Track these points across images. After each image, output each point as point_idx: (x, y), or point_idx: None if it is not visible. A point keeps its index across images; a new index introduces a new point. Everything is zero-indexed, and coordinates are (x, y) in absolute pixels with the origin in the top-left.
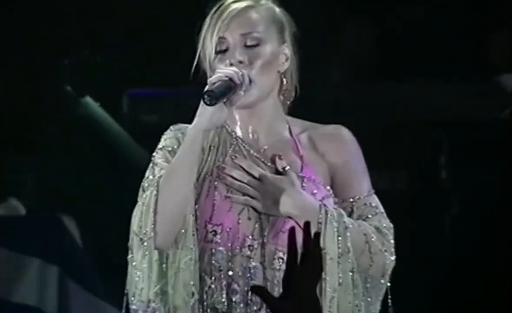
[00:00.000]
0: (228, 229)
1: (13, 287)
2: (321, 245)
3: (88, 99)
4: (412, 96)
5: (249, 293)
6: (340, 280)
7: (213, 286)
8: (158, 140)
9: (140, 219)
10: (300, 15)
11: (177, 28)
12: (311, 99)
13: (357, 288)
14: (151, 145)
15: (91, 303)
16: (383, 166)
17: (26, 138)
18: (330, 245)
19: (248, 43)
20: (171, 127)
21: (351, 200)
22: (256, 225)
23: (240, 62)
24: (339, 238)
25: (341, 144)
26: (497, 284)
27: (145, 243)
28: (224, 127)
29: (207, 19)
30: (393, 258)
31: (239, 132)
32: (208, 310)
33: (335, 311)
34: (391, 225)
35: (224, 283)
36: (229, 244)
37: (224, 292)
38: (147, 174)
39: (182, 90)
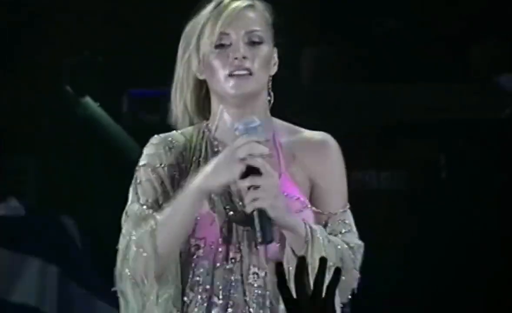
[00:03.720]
0: (211, 243)
1: (13, 287)
2: (308, 259)
3: (88, 99)
4: (412, 96)
5: (228, 307)
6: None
7: (194, 300)
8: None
9: (135, 263)
10: (294, 14)
11: (177, 28)
12: (312, 100)
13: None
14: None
15: (90, 303)
16: (383, 166)
17: (26, 138)
18: (317, 258)
19: (252, 40)
20: (153, 140)
21: (327, 214)
22: (239, 237)
23: (245, 57)
24: (325, 251)
25: (324, 157)
26: (498, 284)
27: (144, 291)
28: (205, 133)
29: (205, 14)
30: (358, 277)
31: (221, 135)
32: None
33: None
34: (361, 244)
35: (205, 296)
36: (212, 258)
37: (205, 305)
38: (130, 195)
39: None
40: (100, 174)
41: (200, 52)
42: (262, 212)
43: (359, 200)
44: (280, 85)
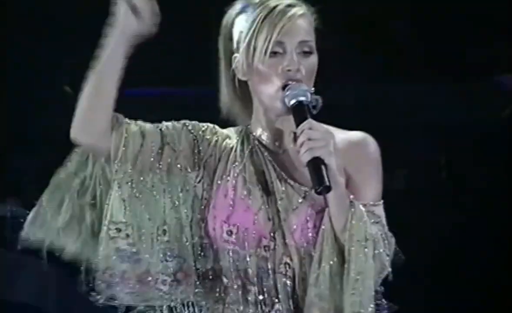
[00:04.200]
0: (244, 229)
1: (13, 287)
2: (348, 225)
3: None
4: (412, 96)
5: (260, 294)
6: (365, 263)
7: (229, 285)
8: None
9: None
10: None
11: (177, 28)
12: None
13: (374, 276)
14: None
15: (90, 303)
16: (383, 166)
17: (26, 138)
18: (357, 227)
19: (304, 50)
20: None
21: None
22: (274, 226)
23: (298, 69)
24: (365, 221)
25: (362, 152)
26: (498, 284)
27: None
28: (244, 128)
29: (258, 17)
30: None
31: (259, 133)
32: (225, 309)
33: (359, 294)
34: (391, 235)
35: (240, 283)
36: (245, 244)
37: (240, 292)
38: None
39: (182, 90)
40: None
41: (249, 56)
42: (317, 161)
43: None
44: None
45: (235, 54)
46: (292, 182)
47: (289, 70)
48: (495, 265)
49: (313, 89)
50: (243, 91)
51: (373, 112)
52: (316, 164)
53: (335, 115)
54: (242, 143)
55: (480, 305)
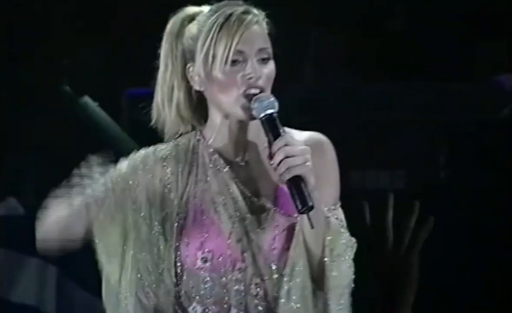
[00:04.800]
0: (218, 255)
1: (13, 287)
2: (327, 241)
3: (87, 99)
4: (412, 96)
5: None
6: (347, 276)
7: (206, 312)
8: (157, 140)
9: None
10: (296, 10)
11: None
12: (311, 99)
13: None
14: (150, 145)
15: (90, 303)
16: (383, 166)
17: (26, 138)
18: (335, 241)
19: (263, 56)
20: (139, 153)
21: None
22: (243, 247)
23: (260, 77)
24: (341, 233)
25: (318, 157)
26: (498, 284)
27: None
28: (200, 141)
29: (213, 27)
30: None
31: (217, 144)
32: None
33: (345, 307)
34: (354, 240)
35: (215, 308)
36: (220, 270)
37: None
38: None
39: None
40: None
41: (208, 66)
42: (298, 180)
43: (359, 200)
44: (279, 84)
45: (189, 64)
46: (256, 200)
47: (250, 78)
48: (496, 265)
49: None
50: (194, 103)
51: (373, 112)
52: (297, 184)
53: (335, 113)
54: (203, 157)
55: (481, 305)
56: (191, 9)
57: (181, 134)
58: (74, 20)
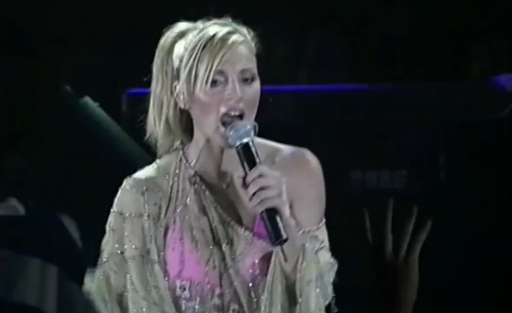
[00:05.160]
0: (196, 284)
1: (13, 287)
2: (299, 267)
3: (88, 99)
4: (412, 96)
5: None
6: (316, 303)
7: None
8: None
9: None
10: (294, 10)
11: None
12: (311, 98)
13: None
14: (150, 146)
15: (90, 303)
16: (383, 166)
17: (26, 138)
18: (308, 269)
19: (246, 77)
20: (126, 185)
21: (301, 231)
22: (221, 273)
23: (241, 98)
24: (315, 261)
25: (305, 177)
26: (498, 284)
27: None
28: (182, 163)
29: (198, 45)
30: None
31: (200, 165)
32: None
33: None
34: (335, 263)
35: None
36: (199, 297)
37: None
38: (106, 237)
39: None
40: (100, 174)
41: (190, 86)
42: (272, 212)
43: (359, 200)
44: (278, 83)
45: (175, 82)
46: (236, 226)
47: (230, 99)
48: (496, 265)
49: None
50: (184, 119)
51: (373, 112)
52: (270, 216)
53: (335, 113)
54: (183, 181)
55: (481, 305)
56: (184, 25)
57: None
58: (75, 19)
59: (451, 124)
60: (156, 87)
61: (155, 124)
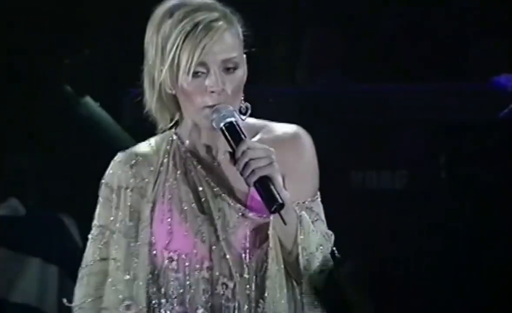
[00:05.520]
0: (184, 255)
1: (13, 287)
2: (299, 240)
3: (88, 99)
4: (412, 96)
5: None
6: (318, 274)
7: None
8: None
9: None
10: (294, 11)
11: None
12: (311, 98)
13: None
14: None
15: None
16: (383, 166)
17: (26, 138)
18: (307, 240)
19: (228, 66)
20: (116, 158)
21: (296, 203)
22: (211, 246)
23: (223, 90)
24: (313, 231)
25: (295, 151)
26: (498, 284)
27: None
28: (174, 141)
29: (181, 33)
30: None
31: (191, 144)
32: None
33: (318, 304)
34: (332, 233)
35: (181, 308)
36: (186, 269)
37: None
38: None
39: None
40: (100, 174)
41: (173, 74)
42: (265, 181)
43: (359, 200)
44: (278, 84)
45: (161, 67)
46: (229, 200)
47: (212, 91)
48: (496, 265)
49: (242, 99)
50: (171, 100)
51: (373, 112)
52: (264, 184)
53: (336, 113)
54: (174, 157)
55: (482, 305)
56: (171, 3)
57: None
58: (75, 19)
59: (451, 124)
60: (147, 63)
61: (148, 97)
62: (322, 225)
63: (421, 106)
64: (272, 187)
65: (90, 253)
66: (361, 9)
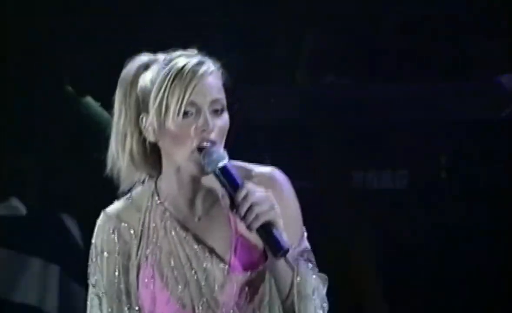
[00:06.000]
0: None
1: (14, 287)
2: (295, 283)
3: (89, 99)
4: (412, 96)
5: None
6: None
7: None
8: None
9: None
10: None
11: (177, 27)
12: (311, 99)
13: None
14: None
15: None
16: (383, 166)
17: (26, 138)
18: (304, 283)
19: (216, 108)
20: (99, 220)
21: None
22: (198, 309)
23: (213, 129)
24: (309, 273)
25: (276, 195)
26: (498, 284)
27: None
28: (154, 198)
29: (167, 78)
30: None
31: (170, 199)
32: None
33: None
34: (326, 278)
35: None
36: None
37: None
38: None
39: None
40: (101, 174)
41: (161, 118)
42: (269, 226)
43: (359, 200)
44: (278, 84)
45: (142, 114)
46: (212, 258)
47: (203, 131)
48: (496, 265)
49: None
50: (149, 152)
51: (373, 112)
52: (268, 230)
53: (336, 113)
54: (155, 216)
55: (482, 305)
56: (146, 57)
57: (139, 182)
58: (76, 19)
59: (452, 124)
60: (118, 120)
61: (118, 157)
62: (315, 269)
63: (421, 106)
64: (275, 232)
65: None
66: (361, 9)
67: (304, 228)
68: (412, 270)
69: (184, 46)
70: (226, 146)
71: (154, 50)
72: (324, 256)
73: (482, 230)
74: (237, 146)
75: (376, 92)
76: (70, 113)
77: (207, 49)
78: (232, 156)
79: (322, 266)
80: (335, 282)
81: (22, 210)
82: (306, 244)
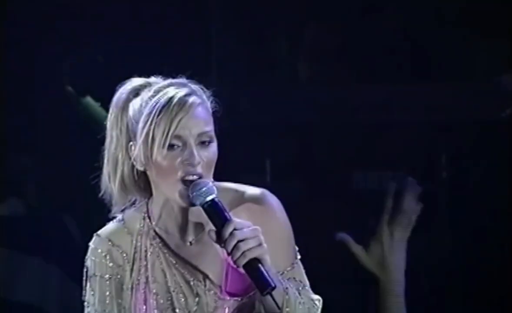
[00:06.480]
0: None
1: (14, 287)
2: (286, 311)
3: (89, 99)
4: (412, 96)
5: None
6: None
7: None
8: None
9: None
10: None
11: (178, 27)
12: (311, 99)
13: None
14: None
15: None
16: (383, 166)
17: (26, 138)
18: (293, 310)
19: (203, 140)
20: (92, 243)
21: (279, 273)
22: None
23: (199, 162)
24: (298, 302)
25: (267, 220)
26: (498, 284)
27: None
28: (146, 223)
29: (154, 109)
30: None
31: (160, 226)
32: None
33: None
34: (320, 299)
35: None
36: None
37: None
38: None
39: None
40: (101, 174)
41: (147, 149)
42: (255, 263)
43: (360, 200)
44: (278, 85)
45: (131, 143)
46: (203, 284)
47: (188, 164)
48: (496, 265)
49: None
50: (140, 178)
51: (373, 113)
52: (254, 266)
53: (336, 113)
54: (146, 241)
55: (482, 305)
56: (138, 82)
57: (132, 204)
58: (76, 19)
59: (452, 124)
60: (110, 144)
61: (110, 181)
62: (308, 293)
63: (421, 106)
64: (263, 269)
65: None
66: (362, 9)
67: (297, 248)
68: (412, 269)
69: (183, 44)
70: (225, 149)
71: (154, 49)
72: (324, 256)
73: (482, 230)
74: (237, 146)
75: (376, 92)
76: (70, 113)
77: (207, 49)
78: (232, 156)
79: (318, 266)
80: (335, 283)
81: (22, 209)
82: (298, 269)
